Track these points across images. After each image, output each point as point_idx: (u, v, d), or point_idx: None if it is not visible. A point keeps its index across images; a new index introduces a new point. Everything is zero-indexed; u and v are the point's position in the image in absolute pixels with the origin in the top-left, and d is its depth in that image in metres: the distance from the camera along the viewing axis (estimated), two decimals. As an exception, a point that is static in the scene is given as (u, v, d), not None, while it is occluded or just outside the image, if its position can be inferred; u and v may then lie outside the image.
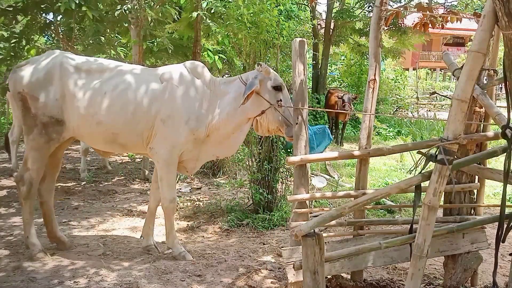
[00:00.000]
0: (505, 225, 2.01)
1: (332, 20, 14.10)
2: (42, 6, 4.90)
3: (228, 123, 3.67)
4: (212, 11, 6.00)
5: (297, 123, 3.22)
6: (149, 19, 6.20)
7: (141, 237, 4.21)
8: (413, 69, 23.45)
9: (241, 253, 4.08)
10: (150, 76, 3.75)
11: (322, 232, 2.42)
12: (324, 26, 14.75)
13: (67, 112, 3.66)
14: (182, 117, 3.61)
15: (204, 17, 6.07)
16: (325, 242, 2.91)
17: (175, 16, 7.02)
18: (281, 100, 3.53)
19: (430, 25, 3.74)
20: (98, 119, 3.61)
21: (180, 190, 6.42)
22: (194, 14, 6.19)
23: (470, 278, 3.21)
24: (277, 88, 3.55)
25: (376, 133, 12.08)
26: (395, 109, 15.85)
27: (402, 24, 13.31)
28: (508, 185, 2.13)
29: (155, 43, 8.08)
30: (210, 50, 9.44)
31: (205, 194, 6.23)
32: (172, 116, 3.61)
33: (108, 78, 3.68)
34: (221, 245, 4.31)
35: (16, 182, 3.86)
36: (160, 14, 6.34)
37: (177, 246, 3.92)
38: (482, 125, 3.12)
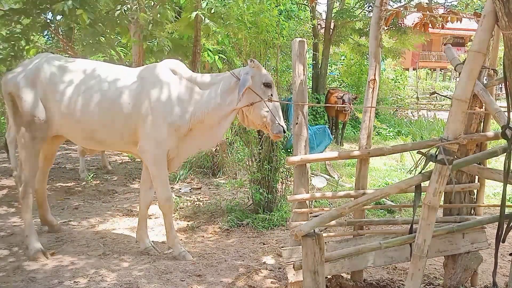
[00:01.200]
0: (505, 225, 2.01)
1: (332, 20, 14.10)
2: (41, 6, 4.90)
3: (214, 114, 3.70)
4: (212, 11, 6.00)
5: (297, 123, 3.22)
6: (147, 20, 6.19)
7: (136, 241, 4.22)
8: (413, 69, 23.43)
9: (241, 253, 4.08)
10: (127, 75, 3.83)
11: (322, 232, 2.42)
12: (324, 26, 14.75)
13: (49, 111, 3.81)
14: (161, 113, 3.65)
15: (203, 17, 6.06)
16: (325, 242, 2.91)
17: (174, 17, 7.02)
18: (272, 95, 3.62)
19: (430, 25, 3.73)
20: (76, 117, 3.74)
21: (180, 190, 6.42)
22: (193, 14, 6.18)
23: (470, 278, 3.21)
24: (268, 85, 3.64)
25: (376, 133, 12.08)
26: (395, 109, 15.84)
27: (402, 24, 13.32)
28: (508, 185, 2.13)
29: (155, 43, 8.08)
30: (210, 50, 9.45)
31: (205, 194, 6.23)
32: (150, 113, 3.65)
33: (86, 77, 3.80)
34: (221, 245, 4.31)
35: (16, 183, 3.93)
36: (158, 15, 6.34)
37: (177, 245, 3.93)
38: (482, 125, 3.12)
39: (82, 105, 3.71)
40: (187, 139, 3.82)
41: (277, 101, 3.64)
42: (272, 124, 3.61)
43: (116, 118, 3.70)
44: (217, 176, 7.21)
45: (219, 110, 3.69)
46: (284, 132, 3.68)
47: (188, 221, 5.04)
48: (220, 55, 9.16)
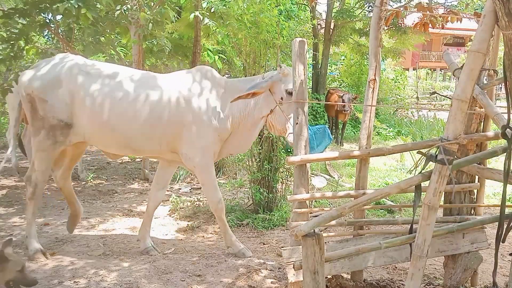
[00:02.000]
0: (505, 225, 2.01)
1: (332, 20, 14.09)
2: (40, 6, 4.89)
3: (247, 119, 3.77)
4: (212, 10, 5.99)
5: (297, 123, 3.22)
6: (147, 20, 6.19)
7: (137, 240, 4.22)
8: (413, 69, 23.46)
9: (241, 253, 4.07)
10: (163, 82, 3.76)
11: (322, 232, 2.42)
12: (324, 26, 14.74)
13: (76, 116, 3.67)
14: (204, 120, 3.66)
15: (202, 17, 6.05)
16: (325, 242, 2.91)
17: (174, 17, 7.01)
18: (282, 98, 3.58)
19: (430, 25, 3.73)
20: (111, 125, 3.62)
21: (180, 190, 6.42)
22: (192, 15, 6.18)
23: (470, 278, 3.21)
24: (291, 93, 3.50)
25: (376, 133, 12.08)
26: (395, 109, 15.84)
27: (402, 24, 13.30)
28: (508, 185, 2.13)
29: (155, 43, 8.08)
30: (210, 50, 9.44)
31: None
32: (194, 121, 3.65)
33: (120, 84, 3.67)
34: (221, 245, 4.31)
35: (25, 182, 3.91)
36: (158, 16, 6.33)
37: (235, 244, 3.99)
38: (482, 125, 3.12)
39: (119, 113, 3.60)
40: (227, 142, 3.87)
41: (287, 102, 3.54)
42: (289, 130, 3.54)
43: (155, 126, 3.64)
44: (217, 176, 7.20)
45: (251, 116, 3.74)
46: None
47: (188, 221, 5.04)
48: (220, 55, 9.15)
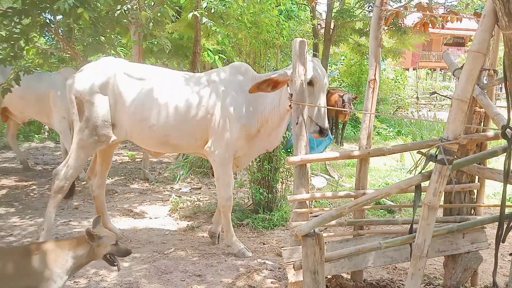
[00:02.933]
0: (505, 225, 2.01)
1: (332, 20, 14.07)
2: (40, 6, 4.89)
3: (274, 114, 3.81)
4: (212, 11, 5.99)
5: (297, 123, 3.22)
6: (147, 20, 6.18)
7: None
8: (413, 69, 23.46)
9: (241, 253, 4.07)
10: (197, 80, 3.96)
11: (322, 232, 2.42)
12: (324, 26, 14.74)
13: (119, 117, 3.90)
14: (233, 116, 3.78)
15: (201, 16, 6.05)
16: (325, 242, 2.91)
17: (174, 17, 7.01)
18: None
19: (430, 25, 3.73)
20: (150, 123, 3.84)
21: (180, 190, 6.42)
22: (190, 14, 6.17)
23: (470, 278, 3.22)
24: (309, 83, 3.47)
25: (376, 133, 12.08)
26: (395, 109, 15.83)
27: (402, 24, 13.29)
28: (508, 185, 2.13)
29: (155, 43, 8.08)
30: (210, 50, 9.44)
31: (205, 194, 6.23)
32: (222, 116, 3.78)
33: (157, 84, 3.89)
34: (221, 245, 4.31)
35: (53, 176, 4.05)
36: (158, 15, 6.33)
37: (236, 243, 4.03)
38: (482, 125, 3.12)
39: (157, 111, 3.81)
40: (255, 140, 3.95)
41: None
42: (310, 124, 3.49)
43: (191, 122, 3.82)
44: (217, 176, 7.20)
45: (278, 110, 3.79)
46: (321, 133, 3.56)
47: (188, 221, 5.04)
48: (220, 55, 9.16)
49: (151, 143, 4.02)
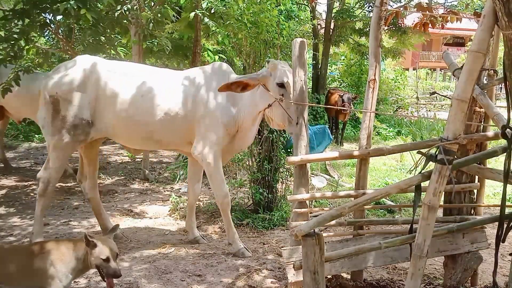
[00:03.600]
0: (505, 225, 2.01)
1: (332, 20, 14.08)
2: (41, 6, 4.88)
3: (248, 116, 3.89)
4: (212, 11, 5.99)
5: (297, 123, 3.22)
6: (147, 20, 6.19)
7: (185, 231, 4.54)
8: (413, 69, 23.44)
9: (241, 253, 4.07)
10: (181, 78, 3.98)
11: (322, 232, 2.42)
12: (324, 26, 14.74)
13: (99, 113, 3.88)
14: (216, 115, 3.83)
15: (202, 16, 6.05)
16: (325, 242, 2.91)
17: (174, 17, 7.01)
18: (282, 95, 3.61)
19: (430, 25, 3.73)
20: (135, 119, 3.85)
21: (180, 190, 6.42)
22: (192, 14, 6.18)
23: (470, 278, 3.22)
24: (280, 85, 3.62)
25: (376, 133, 12.08)
26: (395, 109, 15.82)
27: (402, 24, 13.30)
28: (508, 185, 2.13)
29: (155, 43, 8.08)
30: (210, 50, 9.43)
31: (205, 194, 6.23)
32: (207, 114, 3.83)
33: (142, 80, 3.90)
34: (221, 245, 4.31)
35: (37, 179, 4.05)
36: (158, 15, 6.33)
37: (236, 242, 4.03)
38: (482, 125, 3.12)
39: (143, 107, 3.82)
40: (234, 140, 4.01)
41: (286, 101, 3.54)
42: (289, 123, 3.58)
43: (175, 119, 3.85)
44: (217, 176, 7.20)
45: (251, 111, 3.86)
46: None
47: (188, 221, 5.03)
48: (220, 55, 9.15)
49: (135, 139, 4.02)
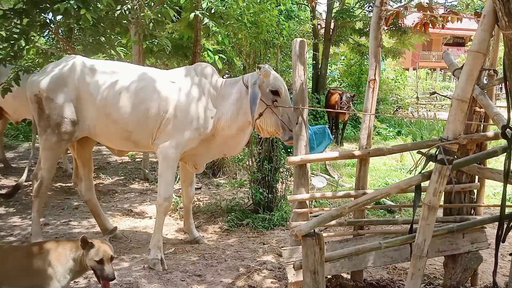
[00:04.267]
0: (505, 225, 2.01)
1: (332, 20, 14.09)
2: (41, 6, 4.89)
3: (231, 125, 3.75)
4: (212, 11, 5.99)
5: (297, 123, 3.22)
6: (148, 20, 6.18)
7: (185, 233, 4.49)
8: (413, 69, 23.43)
9: (241, 253, 4.08)
10: (161, 77, 3.87)
11: (322, 232, 2.42)
12: (324, 26, 14.74)
13: (81, 112, 3.82)
14: (188, 117, 3.70)
15: (202, 17, 6.05)
16: (325, 242, 2.91)
17: (174, 17, 7.00)
18: (276, 101, 3.54)
19: (430, 25, 3.73)
20: (113, 118, 3.76)
21: (180, 190, 6.41)
22: (192, 14, 6.17)
23: (470, 278, 3.21)
24: (274, 92, 3.55)
25: (376, 133, 12.07)
26: (395, 109, 15.82)
27: (402, 24, 13.30)
28: (508, 185, 2.13)
29: (155, 43, 8.07)
30: (210, 50, 9.42)
31: (205, 194, 6.23)
32: (178, 115, 3.70)
33: (122, 79, 3.82)
34: (221, 245, 4.31)
35: (32, 179, 4.10)
36: (159, 15, 6.32)
37: (156, 250, 3.73)
38: (482, 125, 3.12)
39: (120, 106, 3.73)
40: (211, 144, 3.90)
41: (279, 106, 3.53)
42: (283, 130, 3.55)
43: (150, 120, 3.74)
44: (217, 176, 7.21)
45: (235, 120, 3.72)
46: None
47: (188, 221, 5.03)
48: (220, 55, 9.15)
49: (114, 139, 3.93)
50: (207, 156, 4.11)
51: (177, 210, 5.37)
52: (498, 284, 2.14)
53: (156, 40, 7.63)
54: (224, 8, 5.95)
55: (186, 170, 4.26)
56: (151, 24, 6.40)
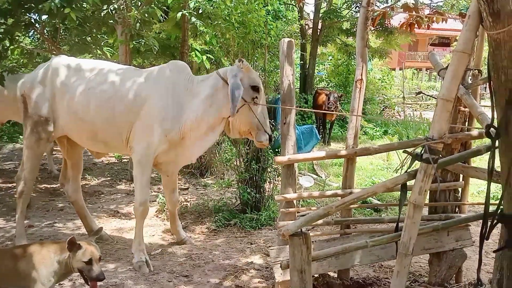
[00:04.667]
0: (489, 223, 2.03)
1: (320, 20, 14.15)
2: (26, 6, 4.81)
3: (202, 123, 3.53)
4: (200, 11, 5.97)
5: (284, 123, 3.22)
6: (134, 20, 6.13)
7: (172, 234, 4.43)
8: (400, 69, 23.66)
9: (228, 253, 4.07)
10: (132, 76, 3.74)
11: (309, 231, 2.43)
12: (311, 26, 14.79)
13: (56, 110, 3.80)
14: (157, 117, 3.54)
15: (189, 16, 6.02)
16: (312, 241, 2.92)
17: (162, 17, 6.96)
18: (256, 98, 3.40)
19: (416, 26, 3.77)
20: (80, 116, 3.70)
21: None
22: (179, 14, 6.14)
23: (454, 275, 3.25)
24: (255, 88, 3.44)
25: (363, 133, 12.15)
26: (382, 109, 15.94)
27: (389, 25, 13.42)
28: (492, 183, 2.15)
29: (142, 43, 8.00)
30: (198, 50, 9.38)
31: (192, 194, 6.20)
32: (148, 115, 3.56)
33: (93, 77, 3.74)
34: (208, 245, 4.29)
35: (16, 181, 4.05)
36: (146, 15, 6.28)
37: (138, 252, 3.69)
38: (467, 124, 3.16)
39: (86, 104, 3.67)
40: (182, 148, 3.70)
41: (262, 104, 3.51)
42: (258, 131, 3.44)
43: (117, 118, 3.63)
44: (205, 177, 7.18)
45: (206, 117, 3.50)
46: (270, 140, 3.48)
47: (176, 222, 5.00)
48: (208, 55, 9.11)
49: (82, 137, 3.87)
50: (178, 162, 3.93)
51: (164, 211, 5.33)
52: (482, 281, 2.16)
53: (143, 40, 7.58)
54: (211, 8, 5.93)
55: (166, 176, 4.11)
56: (138, 24, 6.35)
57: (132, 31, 6.33)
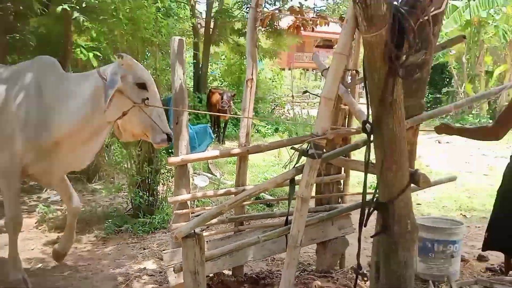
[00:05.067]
0: (366, 211, 2.20)
1: (212, 20, 14.19)
2: None
3: (83, 127, 3.09)
4: (84, 4, 5.55)
5: (177, 123, 3.14)
6: (8, 12, 5.49)
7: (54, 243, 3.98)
8: (289, 69, 24.85)
9: (119, 261, 3.86)
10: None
11: (203, 231, 2.39)
12: (204, 25, 14.77)
13: None
14: (19, 123, 3.07)
15: (71, 10, 5.56)
16: (207, 241, 2.90)
17: (40, 10, 6.33)
18: (147, 99, 3.03)
19: (302, 28, 3.97)
20: None
21: (48, 199, 5.83)
22: (59, 8, 5.63)
23: (339, 261, 3.50)
24: (142, 86, 3.04)
25: (256, 131, 12.50)
26: (273, 108, 16.56)
27: (278, 26, 13.98)
28: (368, 174, 2.34)
29: (17, 38, 7.18)
30: (83, 47, 8.76)
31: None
32: (7, 122, 3.08)
33: None
34: (97, 255, 4.03)
35: None
36: (21, 7, 5.66)
37: (14, 271, 3.29)
38: (347, 120, 3.42)
39: None
40: (55, 156, 3.19)
41: (152, 106, 3.07)
42: (154, 131, 3.06)
43: None
44: (93, 181, 6.69)
45: (89, 121, 3.06)
46: (170, 140, 3.09)
47: (59, 233, 4.57)
48: (95, 52, 8.54)
49: None
50: (54, 172, 3.38)
51: (46, 221, 4.85)
52: (361, 265, 2.34)
53: (18, 35, 6.84)
54: (96, 1, 5.56)
55: (57, 186, 3.65)
56: (10, 17, 5.70)
57: (5, 25, 5.66)
